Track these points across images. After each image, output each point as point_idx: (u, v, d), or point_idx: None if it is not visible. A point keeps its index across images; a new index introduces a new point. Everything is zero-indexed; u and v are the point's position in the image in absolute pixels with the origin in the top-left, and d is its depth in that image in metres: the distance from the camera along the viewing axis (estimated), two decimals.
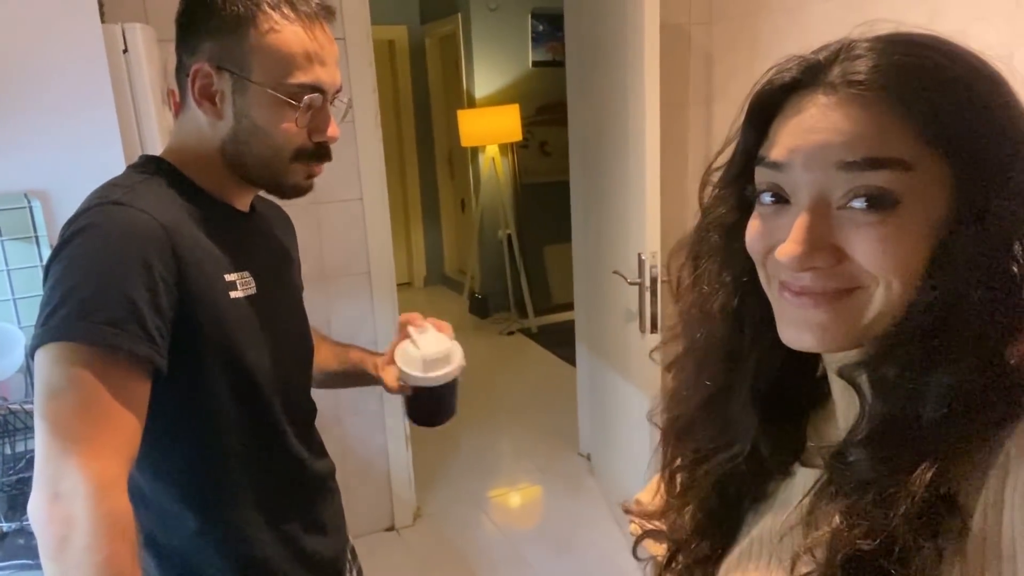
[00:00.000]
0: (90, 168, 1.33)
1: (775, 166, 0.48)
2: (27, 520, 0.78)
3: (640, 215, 2.06)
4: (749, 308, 0.55)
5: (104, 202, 0.85)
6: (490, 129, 4.42)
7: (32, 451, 1.24)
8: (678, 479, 0.63)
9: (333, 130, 0.96)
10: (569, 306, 4.81)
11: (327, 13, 0.93)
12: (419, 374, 1.09)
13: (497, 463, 3.23)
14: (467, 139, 4.50)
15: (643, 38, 1.93)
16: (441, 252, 5.87)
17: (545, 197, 4.80)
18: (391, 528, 2.68)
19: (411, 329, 1.13)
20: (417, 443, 2.69)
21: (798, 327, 0.48)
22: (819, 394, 0.58)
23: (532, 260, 4.83)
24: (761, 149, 0.50)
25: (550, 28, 4.66)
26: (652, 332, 2.11)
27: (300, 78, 0.90)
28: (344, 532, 1.14)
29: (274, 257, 1.07)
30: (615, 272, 2.22)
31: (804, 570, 0.45)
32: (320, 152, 0.96)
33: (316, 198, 1.01)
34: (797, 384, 0.57)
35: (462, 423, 3.45)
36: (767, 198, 0.50)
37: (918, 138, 0.44)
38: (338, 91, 0.96)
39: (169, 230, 0.85)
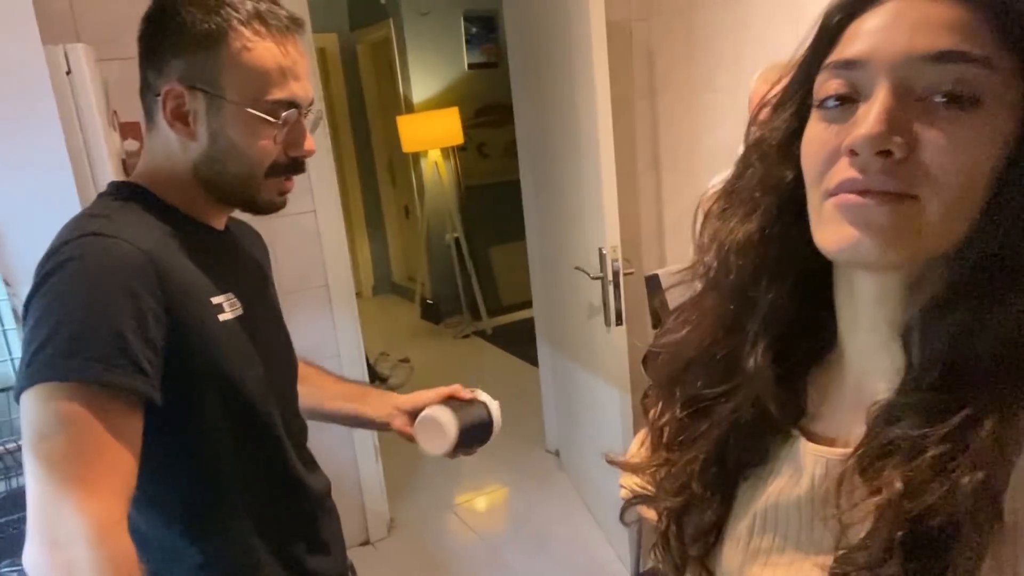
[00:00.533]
0: (40, 193, 1.29)
1: (850, 65, 0.47)
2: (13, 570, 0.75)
3: (598, 210, 2.09)
4: (776, 240, 0.53)
5: (83, 234, 0.81)
6: (431, 133, 4.40)
7: (10, 491, 1.18)
8: (666, 433, 0.60)
9: (310, 143, 0.95)
10: (520, 306, 4.87)
11: (297, 26, 0.92)
12: (490, 404, 1.16)
13: (466, 467, 3.22)
14: (408, 145, 4.47)
15: (591, 35, 1.95)
16: (388, 260, 5.82)
17: (487, 199, 4.83)
18: (366, 542, 2.65)
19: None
20: (386, 455, 2.66)
21: (858, 228, 0.44)
22: (819, 356, 0.56)
23: (480, 262, 4.84)
24: (830, 57, 0.48)
25: (483, 30, 4.68)
26: (617, 325, 2.14)
27: (276, 94, 0.88)
28: (344, 549, 1.12)
29: (253, 275, 1.05)
30: (577, 268, 2.25)
31: (852, 555, 0.43)
32: (295, 166, 0.95)
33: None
34: (800, 343, 0.55)
35: None
36: (832, 102, 0.48)
37: (1001, 42, 0.43)
38: (311, 103, 0.95)
39: (152, 258, 0.82)
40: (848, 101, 0.47)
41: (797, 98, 0.52)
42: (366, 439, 2.56)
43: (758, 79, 1.80)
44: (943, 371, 0.44)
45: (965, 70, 0.43)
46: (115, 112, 1.67)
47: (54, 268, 0.78)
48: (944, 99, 0.43)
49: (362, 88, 5.39)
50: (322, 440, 1.12)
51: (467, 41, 4.67)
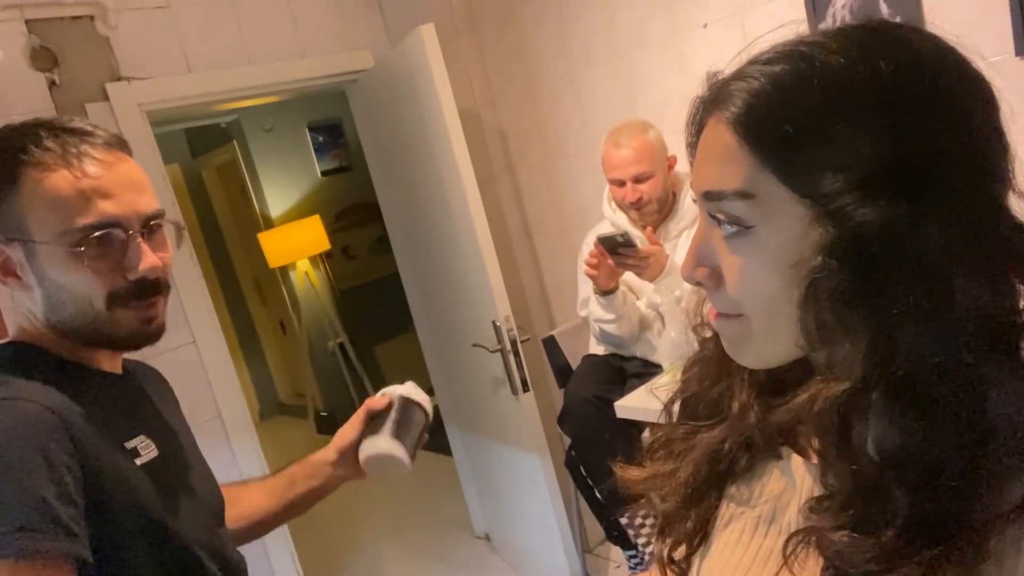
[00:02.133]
0: None
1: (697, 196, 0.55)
2: None
3: (485, 285, 2.15)
4: None
5: None
6: (296, 244, 4.35)
7: None
8: (667, 446, 0.64)
9: (147, 262, 0.85)
10: None
11: (105, 143, 0.85)
12: (407, 391, 1.12)
13: (397, 572, 3.07)
14: (274, 260, 4.39)
15: (446, 125, 2.05)
16: (270, 380, 5.57)
17: (363, 299, 4.80)
18: None
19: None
20: (304, 559, 2.49)
21: (724, 341, 0.54)
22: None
23: (368, 363, 4.75)
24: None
25: (329, 137, 4.75)
26: (525, 392, 2.18)
27: (80, 221, 0.81)
28: None
29: (162, 413, 1.00)
30: (475, 345, 2.28)
31: None
32: (143, 289, 0.86)
33: (144, 353, 0.92)
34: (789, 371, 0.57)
35: (350, 541, 3.25)
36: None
37: (760, 164, 0.46)
38: (152, 217, 0.87)
39: (60, 414, 0.78)
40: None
41: None
42: (288, 568, 2.39)
43: (606, 141, 1.96)
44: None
45: (725, 205, 0.48)
46: None
47: None
48: (725, 227, 0.49)
49: (214, 212, 5.26)
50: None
51: (316, 150, 4.72)
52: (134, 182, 0.86)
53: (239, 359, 5.42)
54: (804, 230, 0.46)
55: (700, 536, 0.60)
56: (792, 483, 0.55)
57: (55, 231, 0.81)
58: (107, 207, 0.82)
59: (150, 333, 0.89)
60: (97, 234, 0.82)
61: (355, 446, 1.09)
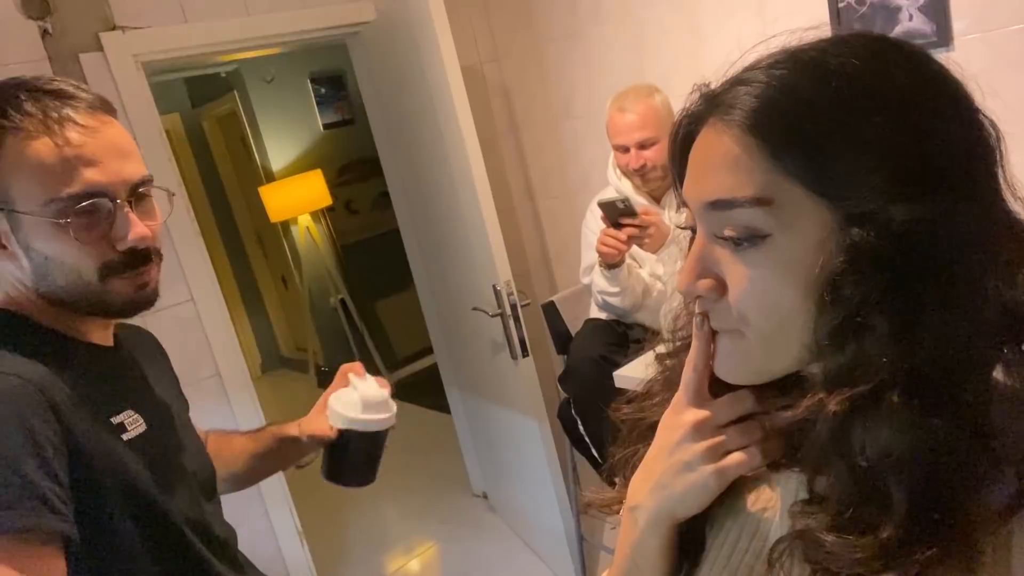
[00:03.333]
0: None
1: (684, 203, 0.51)
2: None
3: (485, 248, 2.12)
4: None
5: None
6: (298, 199, 4.31)
7: None
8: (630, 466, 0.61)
9: (136, 232, 0.82)
10: (417, 356, 4.82)
11: (88, 106, 0.82)
12: (357, 415, 1.05)
13: (396, 530, 3.12)
14: (275, 214, 4.35)
15: (448, 82, 2.00)
16: (272, 334, 5.59)
17: (365, 254, 4.77)
18: None
19: (352, 376, 1.10)
20: (311, 537, 2.53)
21: (717, 358, 0.51)
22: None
23: (369, 319, 4.75)
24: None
25: (332, 89, 4.66)
26: (524, 356, 2.17)
27: (65, 190, 0.78)
28: None
29: (153, 384, 0.98)
30: (475, 308, 2.26)
31: None
32: (135, 259, 0.84)
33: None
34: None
35: (349, 500, 3.30)
36: (689, 234, 0.52)
37: (780, 174, 0.44)
38: (140, 184, 0.84)
39: (42, 387, 0.76)
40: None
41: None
42: (287, 525, 2.43)
43: (611, 105, 1.91)
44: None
45: (739, 215, 0.45)
46: None
47: None
48: (732, 240, 0.46)
49: (215, 163, 5.21)
50: (240, 536, 1.06)
51: (318, 102, 4.63)
52: (120, 148, 0.83)
53: (241, 312, 5.43)
54: (826, 235, 0.44)
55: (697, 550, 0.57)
56: (774, 492, 0.54)
57: (39, 201, 0.78)
58: (92, 175, 0.79)
59: (143, 300, 0.87)
60: (83, 204, 0.79)
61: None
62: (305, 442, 1.12)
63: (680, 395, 0.53)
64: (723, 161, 0.46)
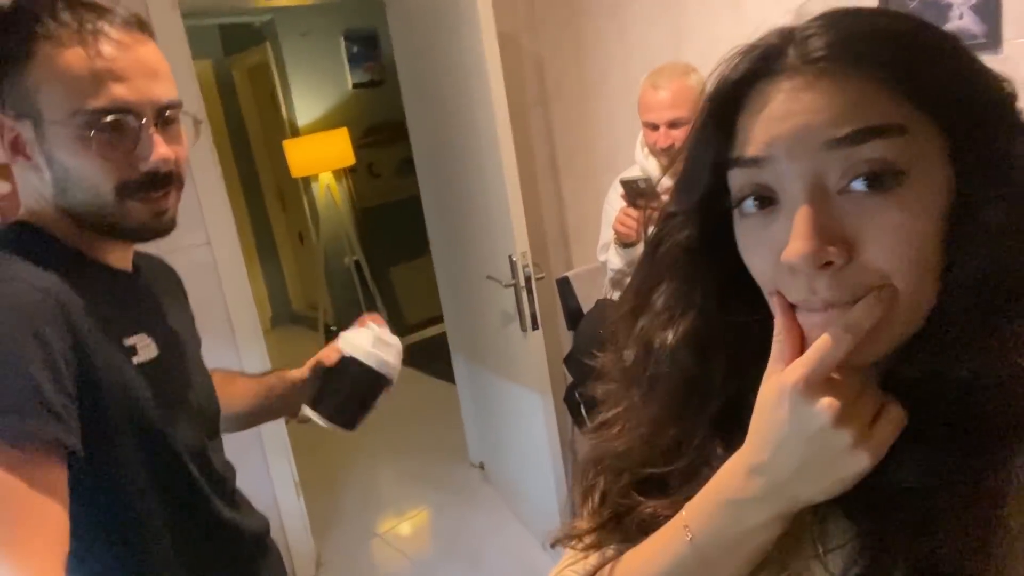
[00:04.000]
0: None
1: (754, 162, 0.43)
2: None
3: (505, 219, 2.10)
4: (717, 336, 0.51)
5: None
6: (321, 156, 4.30)
7: None
8: (608, 498, 0.57)
9: (159, 153, 0.81)
10: (425, 324, 4.83)
11: (122, 20, 0.81)
12: (366, 346, 1.05)
13: (391, 491, 3.15)
14: (297, 169, 4.35)
15: (483, 46, 1.97)
16: (285, 289, 5.62)
17: (383, 219, 4.77)
18: None
19: (371, 321, 1.11)
20: (306, 488, 2.56)
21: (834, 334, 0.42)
22: None
23: (382, 283, 4.76)
24: (731, 151, 0.45)
25: (365, 49, 4.62)
26: (534, 329, 2.16)
27: (92, 103, 0.77)
28: None
29: (168, 315, 0.98)
30: (489, 277, 2.25)
31: None
32: (155, 181, 0.82)
33: (159, 248, 0.90)
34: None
35: (348, 458, 3.33)
36: (750, 205, 0.45)
37: (901, 101, 0.40)
38: (168, 107, 0.83)
39: (58, 299, 0.76)
40: (766, 200, 0.44)
41: (700, 205, 0.50)
42: (285, 474, 2.45)
43: (645, 81, 1.88)
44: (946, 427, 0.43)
45: (877, 147, 0.40)
46: None
47: None
48: (865, 184, 0.40)
49: (242, 114, 5.20)
50: (238, 481, 1.06)
51: (349, 61, 4.60)
52: (151, 67, 0.82)
53: (255, 265, 5.46)
54: (944, 168, 0.41)
55: None
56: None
57: (65, 111, 0.77)
58: (120, 91, 0.78)
59: (160, 226, 0.86)
60: (108, 119, 0.78)
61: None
62: (308, 380, 1.12)
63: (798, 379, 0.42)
64: (842, 98, 0.41)
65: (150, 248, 0.93)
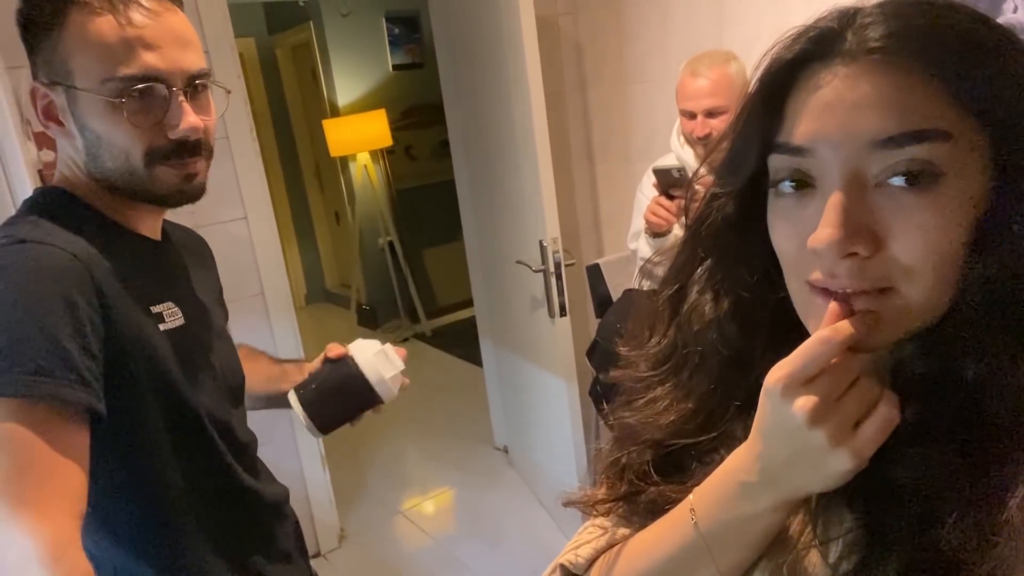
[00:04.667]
0: None
1: (798, 151, 0.44)
2: None
3: (537, 204, 2.10)
4: (761, 311, 0.52)
5: (9, 242, 0.76)
6: (359, 136, 4.33)
7: None
8: (632, 470, 0.57)
9: (188, 121, 0.82)
10: (457, 307, 4.86)
11: None
12: (368, 354, 1.05)
13: (415, 470, 3.19)
14: (336, 149, 4.39)
15: (521, 30, 1.96)
16: (320, 267, 5.69)
17: (418, 201, 4.79)
18: (317, 555, 2.58)
19: (388, 345, 1.10)
20: (332, 463, 2.60)
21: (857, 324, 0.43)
22: None
23: (415, 265, 4.80)
24: (778, 135, 0.46)
25: (405, 30, 4.63)
26: (561, 316, 2.16)
27: (123, 71, 0.78)
28: (307, 557, 1.09)
29: (195, 285, 1.00)
30: (518, 262, 2.25)
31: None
32: (183, 148, 0.84)
33: (196, 221, 0.91)
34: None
35: (374, 436, 3.37)
36: (787, 186, 0.45)
37: (952, 104, 0.40)
38: (197, 76, 0.84)
39: (87, 264, 0.78)
40: (803, 183, 0.45)
41: (744, 183, 0.50)
42: (312, 448, 2.50)
43: (684, 68, 1.85)
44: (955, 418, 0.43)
45: (921, 150, 0.40)
46: (28, 121, 1.58)
47: None
48: (904, 181, 0.41)
49: (284, 92, 5.26)
50: (266, 452, 1.08)
51: (390, 42, 4.62)
52: (181, 36, 0.83)
53: (292, 242, 5.54)
54: (982, 175, 0.41)
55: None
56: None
57: (97, 78, 0.79)
58: (150, 59, 0.80)
59: (191, 190, 0.87)
60: (139, 87, 0.79)
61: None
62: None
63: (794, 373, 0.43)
64: (891, 95, 0.41)
65: (187, 219, 0.94)
